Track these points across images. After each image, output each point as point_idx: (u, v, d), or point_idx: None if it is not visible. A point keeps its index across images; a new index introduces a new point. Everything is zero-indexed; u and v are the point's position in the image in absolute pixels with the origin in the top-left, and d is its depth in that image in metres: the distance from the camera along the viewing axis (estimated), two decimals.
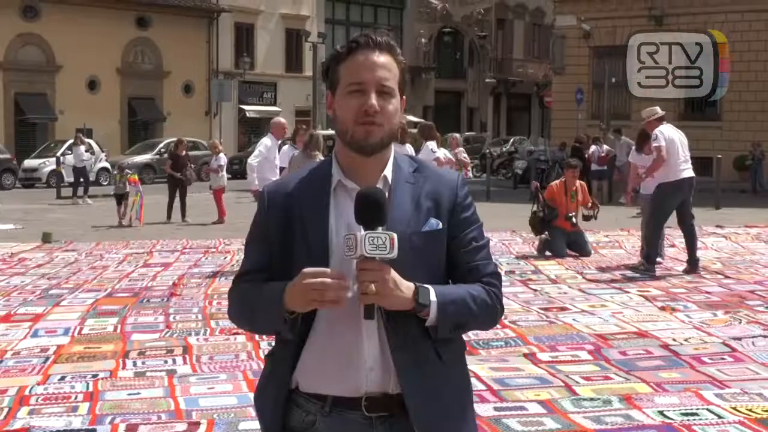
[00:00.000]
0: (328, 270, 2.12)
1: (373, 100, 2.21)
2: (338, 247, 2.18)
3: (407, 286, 2.15)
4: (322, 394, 2.25)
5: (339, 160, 2.31)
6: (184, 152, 19.15)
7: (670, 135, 10.78)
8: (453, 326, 2.23)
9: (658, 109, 11.34)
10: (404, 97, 2.32)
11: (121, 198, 17.75)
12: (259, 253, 2.33)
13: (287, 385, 2.28)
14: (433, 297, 2.18)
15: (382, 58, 2.25)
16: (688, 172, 10.71)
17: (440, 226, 2.27)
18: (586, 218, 12.90)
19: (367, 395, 2.21)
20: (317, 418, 2.25)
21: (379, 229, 2.11)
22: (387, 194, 2.23)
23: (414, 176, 2.31)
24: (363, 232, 2.09)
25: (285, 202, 2.29)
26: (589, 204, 13.01)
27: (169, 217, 18.27)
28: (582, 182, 13.50)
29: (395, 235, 2.10)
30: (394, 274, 2.12)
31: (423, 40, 47.76)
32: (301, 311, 2.18)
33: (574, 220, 12.60)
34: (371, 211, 2.12)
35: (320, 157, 10.67)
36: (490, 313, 2.30)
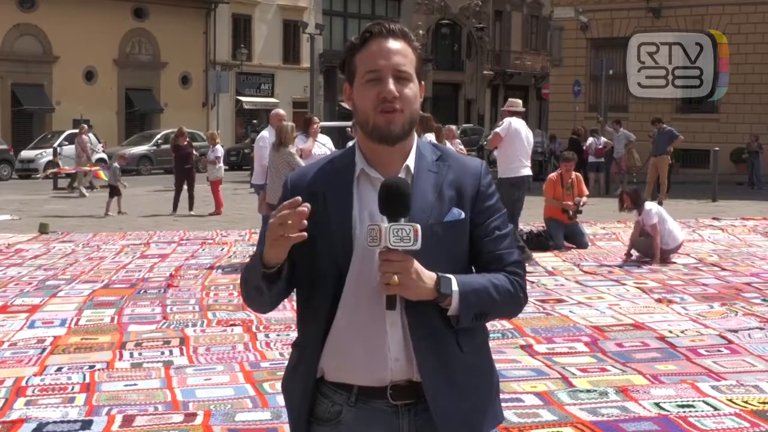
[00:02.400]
0: (298, 198, 2.09)
1: (391, 85, 2.20)
2: (361, 236, 2.17)
3: (429, 276, 2.15)
4: (348, 384, 2.25)
5: (362, 149, 2.30)
6: (186, 142, 19.00)
7: (516, 128, 10.81)
8: (475, 315, 2.23)
9: (520, 104, 11.35)
10: (422, 83, 2.31)
11: (115, 189, 17.69)
12: None
13: (313, 375, 2.28)
14: (455, 287, 2.17)
15: (396, 45, 2.24)
16: (526, 170, 10.71)
17: (462, 215, 2.26)
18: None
19: (393, 384, 2.22)
20: (343, 408, 2.26)
21: (403, 220, 2.11)
22: (409, 183, 2.23)
23: (437, 165, 2.30)
24: (387, 224, 2.08)
25: (308, 190, 2.28)
26: (582, 200, 12.93)
27: (175, 209, 18.12)
28: (578, 174, 13.48)
29: (419, 227, 2.09)
30: (416, 264, 2.12)
31: (420, 32, 47.60)
32: (276, 258, 2.14)
33: (570, 212, 12.59)
34: (395, 202, 2.11)
35: (292, 149, 10.28)
36: (513, 302, 2.30)
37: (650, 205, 11.39)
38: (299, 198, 2.08)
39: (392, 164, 2.26)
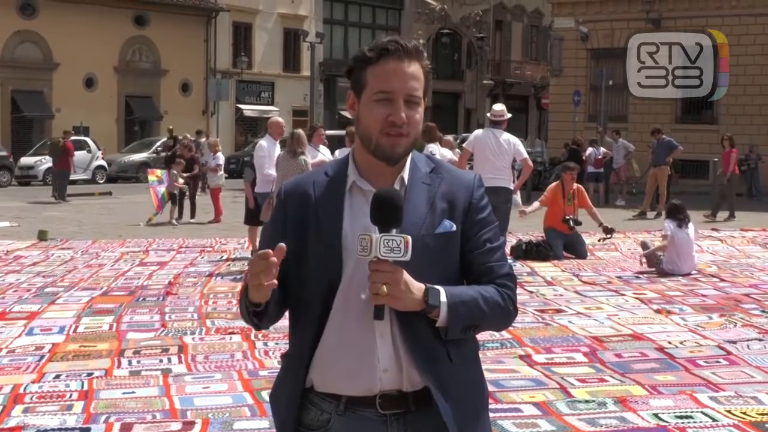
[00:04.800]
0: (269, 251, 2.11)
1: (402, 111, 2.21)
2: (352, 248, 2.18)
3: (418, 288, 2.16)
4: (337, 393, 2.26)
5: (356, 161, 2.30)
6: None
7: (481, 136, 10.70)
8: (464, 327, 2.23)
9: (497, 112, 10.92)
10: (426, 100, 2.32)
11: (174, 196, 17.68)
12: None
13: (302, 385, 2.29)
14: (443, 298, 2.18)
15: (412, 68, 2.24)
16: (493, 181, 9.95)
17: (454, 228, 2.27)
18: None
19: (382, 393, 2.23)
20: (332, 417, 2.27)
21: (394, 231, 2.11)
22: (402, 195, 2.24)
23: (430, 177, 2.31)
24: (378, 234, 2.09)
25: (301, 201, 2.30)
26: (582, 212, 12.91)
27: (192, 214, 18.14)
28: (580, 185, 13.46)
29: (410, 238, 2.10)
30: (405, 275, 2.13)
31: (421, 41, 47.72)
32: (258, 299, 2.18)
33: (571, 223, 12.58)
34: (387, 212, 2.12)
35: (308, 157, 10.40)
36: (502, 315, 2.30)
37: (690, 227, 11.08)
38: (269, 251, 2.10)
39: (386, 176, 2.28)
